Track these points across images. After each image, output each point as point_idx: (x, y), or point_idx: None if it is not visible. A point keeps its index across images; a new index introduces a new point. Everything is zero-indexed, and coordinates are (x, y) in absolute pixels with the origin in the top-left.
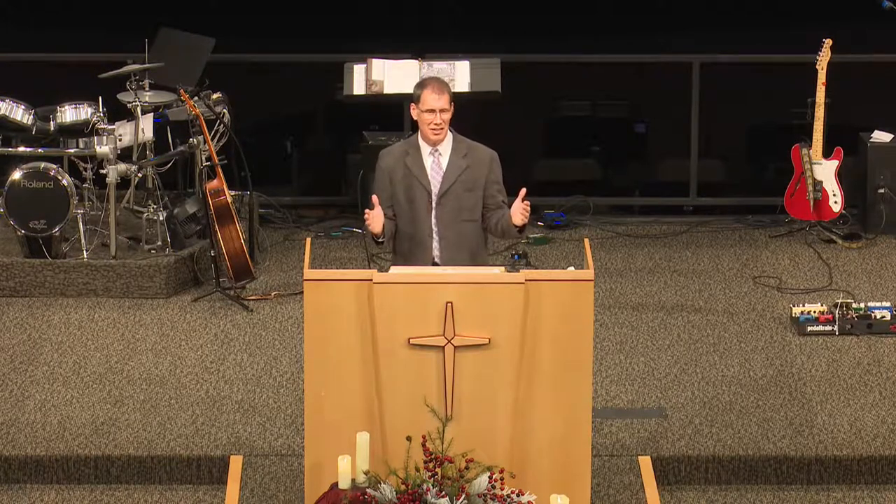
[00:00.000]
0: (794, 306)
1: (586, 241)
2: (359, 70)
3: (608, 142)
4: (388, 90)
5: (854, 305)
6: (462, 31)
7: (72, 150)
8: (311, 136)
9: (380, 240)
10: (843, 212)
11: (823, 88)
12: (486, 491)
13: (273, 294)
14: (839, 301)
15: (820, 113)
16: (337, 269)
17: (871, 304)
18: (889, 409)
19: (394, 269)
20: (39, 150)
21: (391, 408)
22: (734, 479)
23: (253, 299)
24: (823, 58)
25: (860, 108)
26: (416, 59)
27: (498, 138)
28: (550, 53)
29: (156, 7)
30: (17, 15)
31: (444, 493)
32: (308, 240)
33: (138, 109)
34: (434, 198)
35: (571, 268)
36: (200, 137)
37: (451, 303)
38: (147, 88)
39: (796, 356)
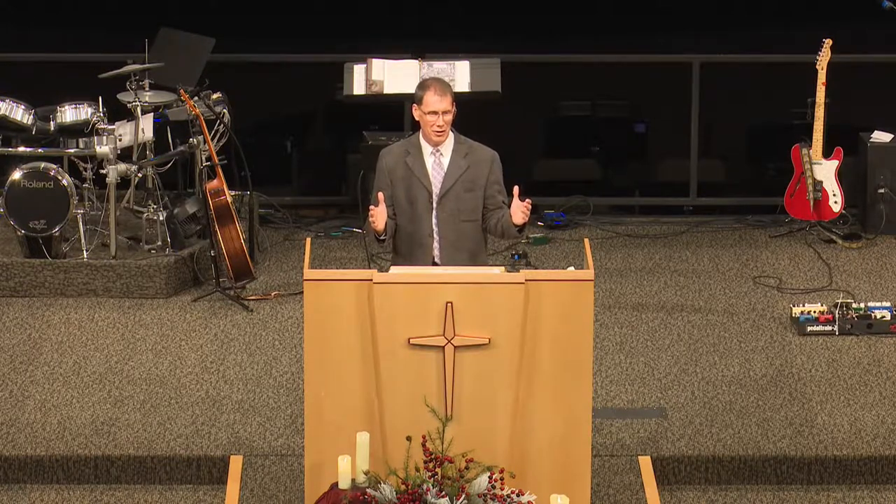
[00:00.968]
0: (794, 306)
1: (586, 241)
2: (359, 70)
3: (608, 142)
4: (388, 90)
5: (854, 305)
6: (462, 31)
7: (72, 150)
8: (311, 136)
9: (381, 237)
10: (843, 212)
11: (823, 88)
12: (486, 491)
13: (273, 294)
14: (839, 301)
15: (820, 113)
16: (337, 269)
17: (871, 304)
18: (889, 409)
19: (394, 269)
20: (39, 150)
21: (391, 408)
22: (734, 479)
23: (253, 299)
24: (823, 58)
25: (860, 108)
26: (416, 59)
27: (498, 138)
28: (550, 53)
29: (156, 7)
30: (17, 15)
31: (444, 493)
32: (308, 240)
33: (138, 109)
34: (435, 198)
35: (571, 268)
36: (200, 137)
37: (451, 303)
38: (147, 88)
39: (796, 356)
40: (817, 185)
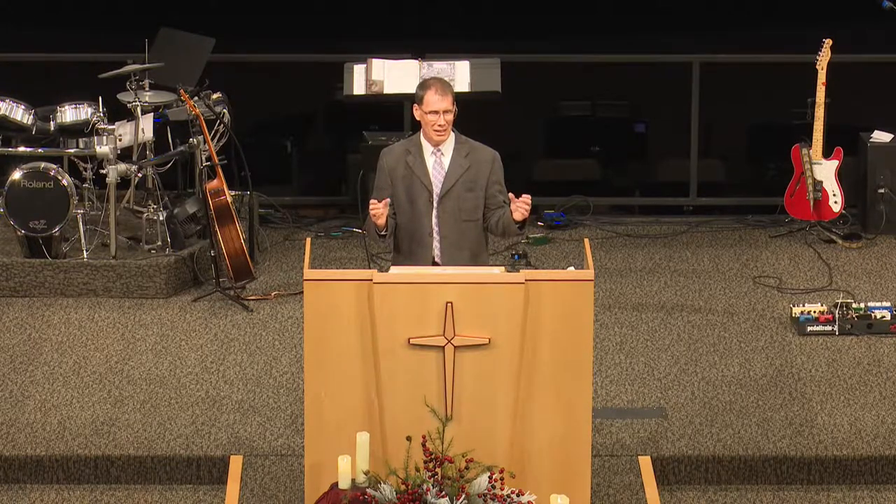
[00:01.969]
0: (794, 306)
1: (586, 241)
2: (359, 70)
3: (608, 142)
4: (388, 90)
5: (854, 305)
6: (462, 31)
7: (72, 150)
8: (311, 136)
9: (382, 233)
10: (843, 212)
11: (823, 88)
12: (486, 491)
13: (273, 294)
14: (839, 301)
15: (820, 113)
16: (337, 269)
17: (871, 304)
18: (889, 409)
19: (394, 269)
20: (39, 150)
21: (391, 408)
22: (734, 479)
23: (253, 299)
24: (823, 58)
25: (860, 108)
26: (416, 59)
27: (498, 138)
28: (550, 53)
29: (156, 7)
30: (18, 15)
31: (444, 493)
32: (308, 240)
33: (138, 109)
34: (435, 197)
35: (571, 268)
36: (200, 137)
37: (451, 303)
38: (147, 88)
39: (796, 356)
40: (817, 185)
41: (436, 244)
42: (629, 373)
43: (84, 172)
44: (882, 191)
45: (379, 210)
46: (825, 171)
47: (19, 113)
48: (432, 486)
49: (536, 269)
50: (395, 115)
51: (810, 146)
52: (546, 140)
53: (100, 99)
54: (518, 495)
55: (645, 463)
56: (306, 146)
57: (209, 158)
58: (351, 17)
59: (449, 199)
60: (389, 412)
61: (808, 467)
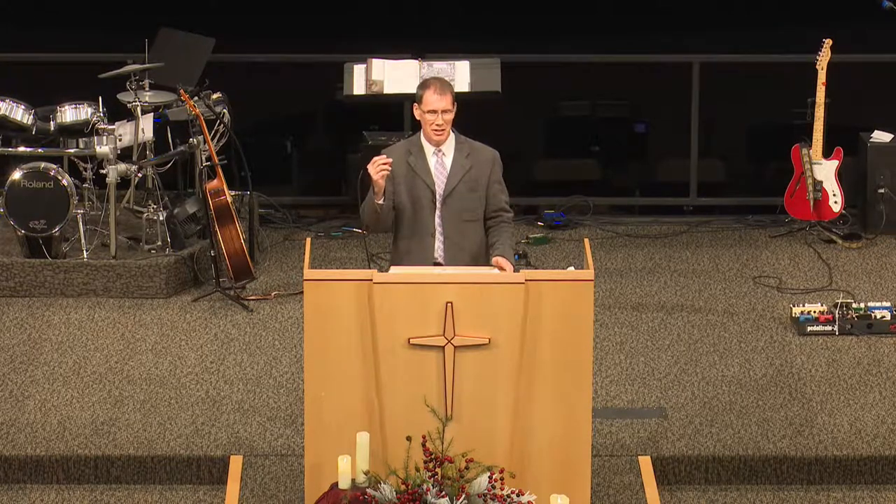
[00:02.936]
0: (794, 306)
1: (586, 241)
2: (359, 70)
3: (608, 142)
4: (388, 90)
5: (854, 305)
6: (462, 31)
7: (72, 150)
8: (311, 136)
9: (380, 200)
10: (843, 212)
11: (823, 88)
12: (486, 491)
13: (273, 294)
14: (839, 301)
15: (820, 113)
16: (337, 269)
17: (871, 304)
18: (889, 409)
19: (394, 269)
20: (39, 150)
21: (391, 408)
22: (734, 479)
23: (253, 299)
24: (823, 58)
25: (860, 108)
26: (416, 59)
27: (498, 138)
28: (550, 53)
29: (156, 7)
30: (17, 15)
31: (444, 493)
32: (308, 240)
33: (138, 109)
34: (439, 198)
35: (571, 268)
36: (200, 137)
37: (451, 303)
38: (147, 88)
39: (796, 356)
40: (817, 185)
41: (438, 244)
42: (629, 373)
43: (84, 172)
44: (882, 191)
45: (386, 169)
46: (825, 171)
47: (19, 113)
48: (432, 486)
49: (536, 269)
50: (395, 115)
51: (810, 146)
52: (546, 140)
53: (100, 99)
54: (518, 495)
55: (645, 463)
56: (306, 146)
57: (209, 158)
58: (351, 17)
59: (452, 199)
60: (389, 412)
61: (808, 467)
